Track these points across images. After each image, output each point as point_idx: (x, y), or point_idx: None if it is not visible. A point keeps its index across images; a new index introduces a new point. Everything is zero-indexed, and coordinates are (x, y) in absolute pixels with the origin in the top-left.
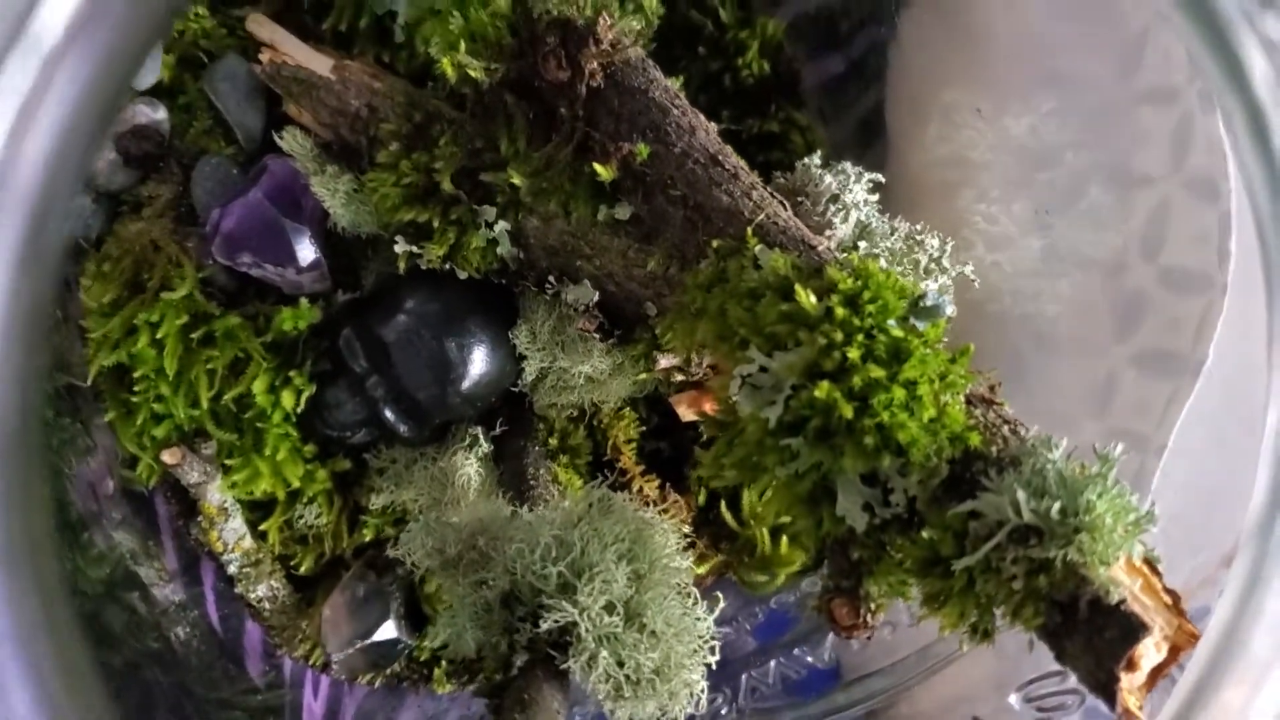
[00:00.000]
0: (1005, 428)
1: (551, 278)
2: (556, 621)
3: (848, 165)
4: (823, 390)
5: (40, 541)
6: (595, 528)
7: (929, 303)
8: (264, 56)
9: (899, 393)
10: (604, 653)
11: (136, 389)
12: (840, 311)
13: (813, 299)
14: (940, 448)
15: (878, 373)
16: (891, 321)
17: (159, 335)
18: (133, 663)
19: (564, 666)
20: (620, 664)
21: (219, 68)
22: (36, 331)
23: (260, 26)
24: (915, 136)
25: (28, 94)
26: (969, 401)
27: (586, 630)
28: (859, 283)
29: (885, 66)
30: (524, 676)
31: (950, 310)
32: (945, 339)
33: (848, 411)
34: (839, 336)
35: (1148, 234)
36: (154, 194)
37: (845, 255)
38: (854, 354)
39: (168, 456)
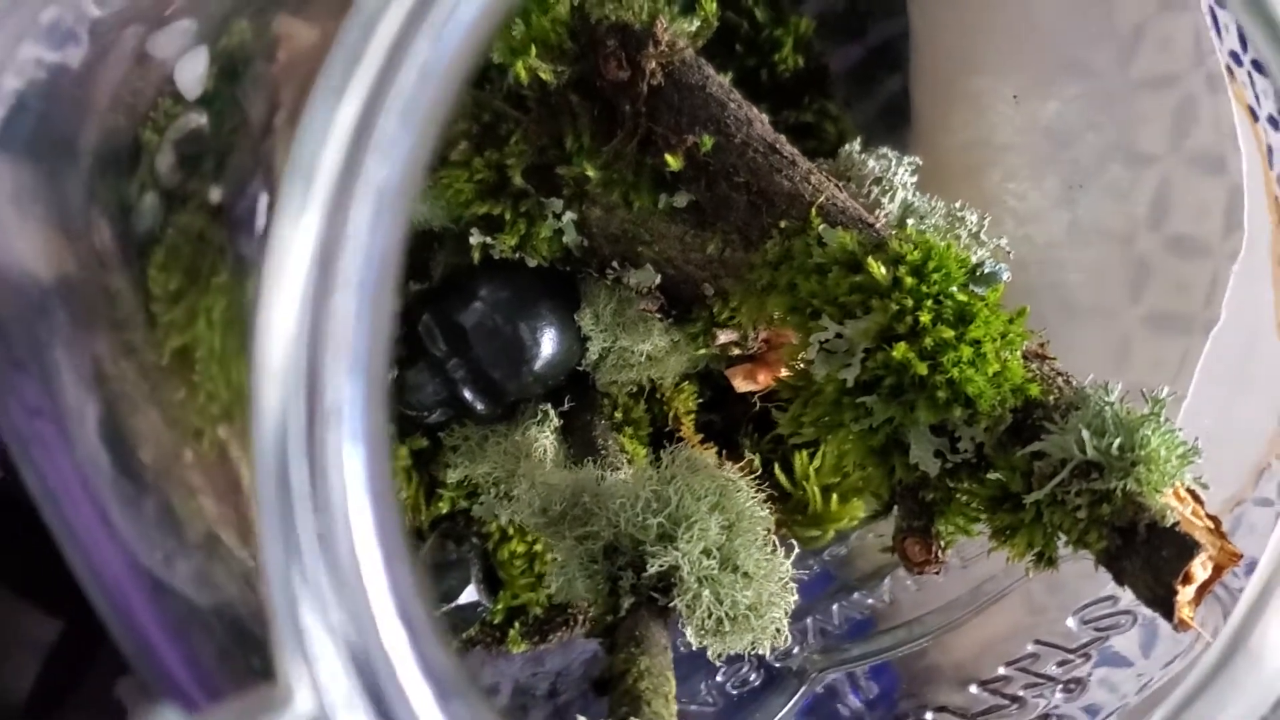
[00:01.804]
0: (1059, 379)
1: (614, 264)
2: (661, 566)
3: (888, 150)
4: (900, 351)
5: None
6: (687, 483)
7: (987, 269)
8: None
9: (966, 351)
10: (706, 592)
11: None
12: (909, 280)
13: (883, 270)
14: (1004, 398)
15: (947, 333)
16: (954, 288)
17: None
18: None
19: (669, 605)
20: (720, 601)
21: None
22: None
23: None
24: (941, 122)
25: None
26: (1025, 357)
27: (689, 572)
28: (923, 253)
29: (904, 54)
30: (632, 617)
31: (1006, 276)
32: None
33: (922, 369)
34: (909, 303)
35: (1154, 207)
36: None
37: (898, 230)
38: (925, 318)
39: None
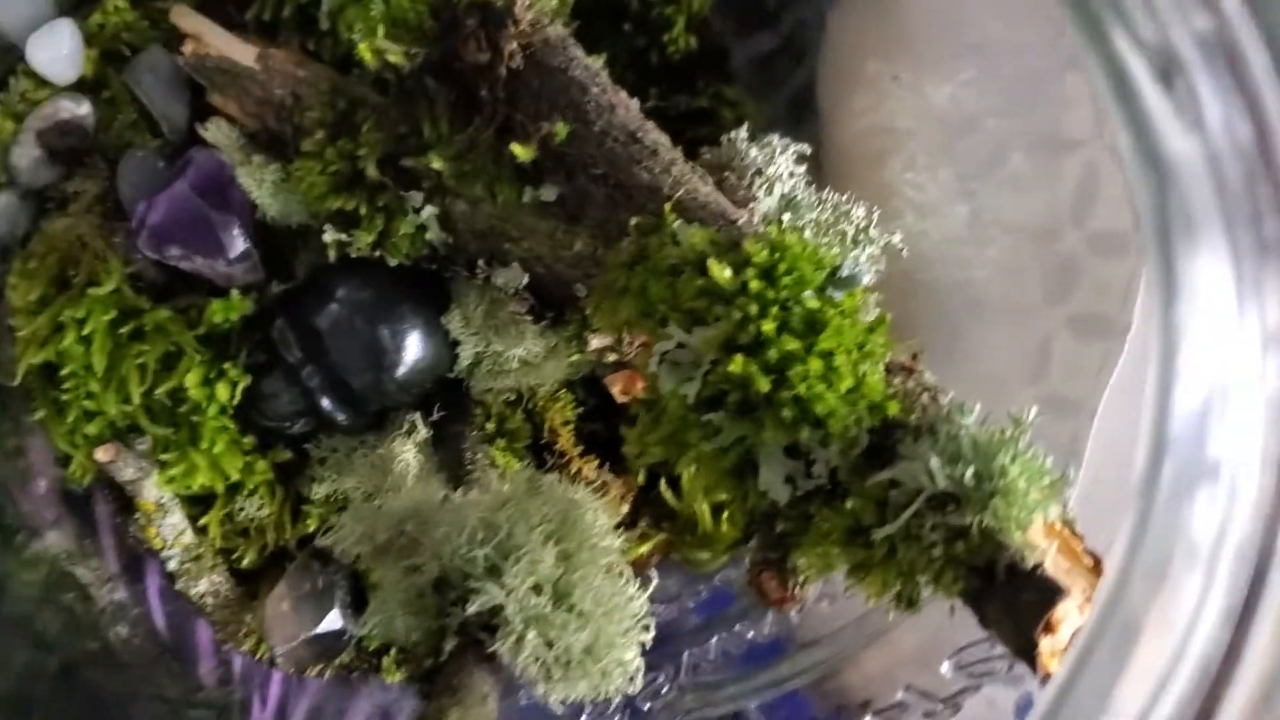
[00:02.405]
0: (924, 395)
1: (481, 262)
2: (483, 604)
3: (774, 138)
4: (737, 364)
5: None
6: (522, 509)
7: (845, 273)
8: (187, 48)
9: (815, 364)
10: (531, 634)
11: (66, 386)
12: (755, 285)
13: (727, 273)
14: (859, 417)
15: (793, 345)
16: (808, 293)
17: (86, 331)
18: (70, 664)
19: (492, 650)
20: (549, 645)
21: (142, 60)
22: None
23: (184, 18)
24: (843, 107)
25: None
26: (889, 370)
27: (513, 612)
28: (774, 255)
29: (815, 42)
30: (454, 661)
31: (867, 279)
32: (874, 306)
33: (764, 385)
34: (754, 310)
35: (1077, 199)
36: (80, 189)
37: (769, 228)
38: (768, 327)
39: (101, 454)
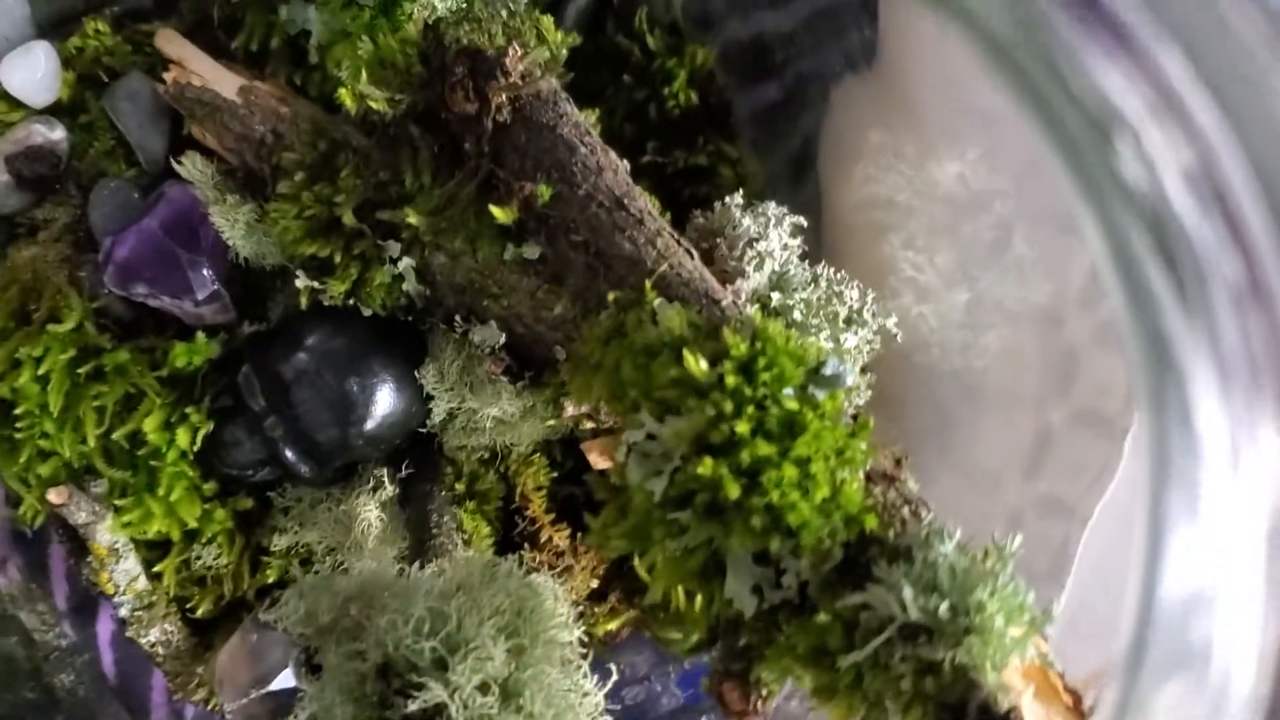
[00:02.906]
0: (905, 508)
1: (459, 316)
2: (427, 701)
3: (770, 206)
4: (707, 467)
5: None
6: (474, 598)
7: (829, 372)
8: (169, 75)
9: (790, 471)
10: None
11: (20, 425)
12: (732, 380)
13: (703, 365)
14: (834, 529)
15: (767, 449)
16: (788, 390)
17: (43, 370)
18: (7, 715)
19: None
20: None
21: (121, 86)
22: None
23: (169, 43)
24: (844, 175)
25: None
26: (869, 478)
27: (457, 712)
28: (756, 346)
29: (820, 98)
30: None
31: (852, 380)
32: (858, 402)
33: (734, 491)
34: (729, 407)
35: (1087, 284)
36: (50, 217)
37: (751, 311)
38: (743, 428)
39: (54, 496)
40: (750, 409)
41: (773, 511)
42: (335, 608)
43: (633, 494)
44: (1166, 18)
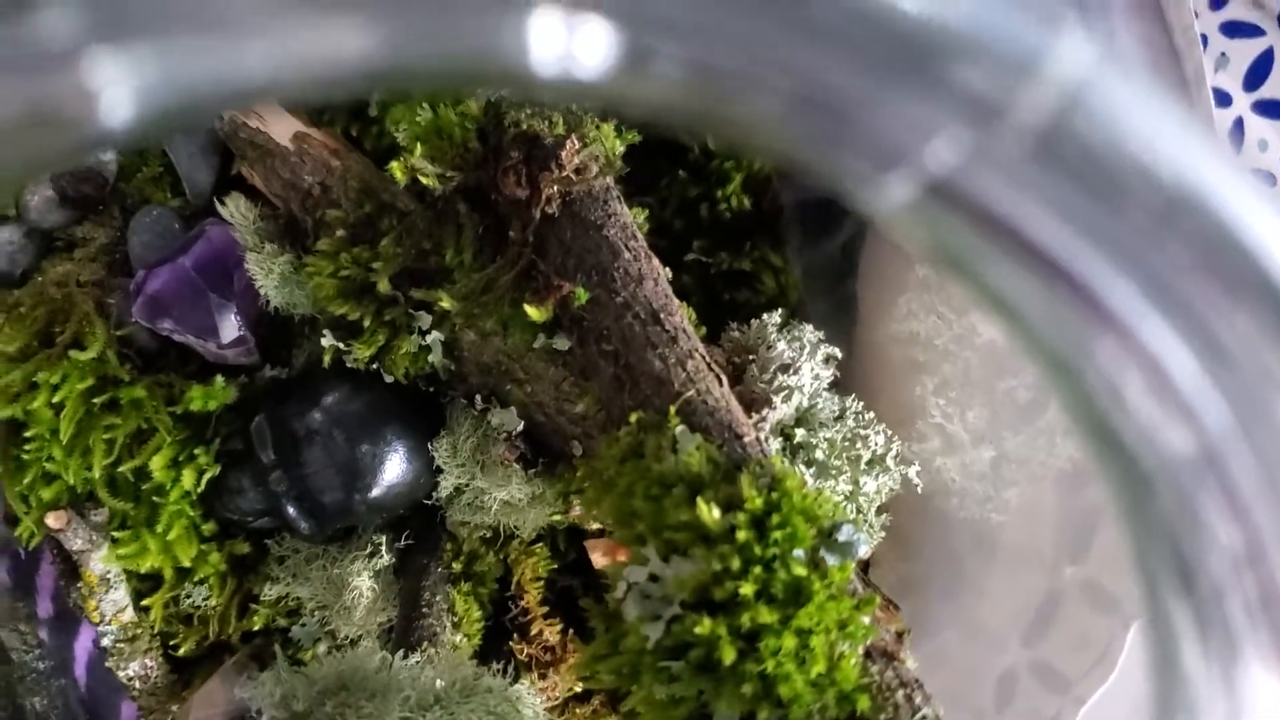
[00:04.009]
0: (901, 692)
1: (480, 396)
2: None
3: (807, 331)
4: (705, 627)
5: None
6: (451, 713)
7: (842, 538)
8: (226, 111)
9: (789, 641)
10: None
11: (28, 447)
12: (743, 535)
13: (715, 514)
14: (825, 706)
15: (769, 617)
16: (798, 552)
17: (58, 397)
18: None
19: None
20: None
21: None
22: None
23: None
24: (885, 305)
25: None
26: (868, 654)
27: None
28: (772, 498)
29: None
30: None
31: (864, 551)
32: (880, 530)
33: (729, 655)
34: (736, 564)
35: None
36: (89, 236)
37: (773, 448)
38: (747, 590)
39: (52, 520)
40: (758, 569)
41: (765, 680)
42: (310, 698)
43: (627, 631)
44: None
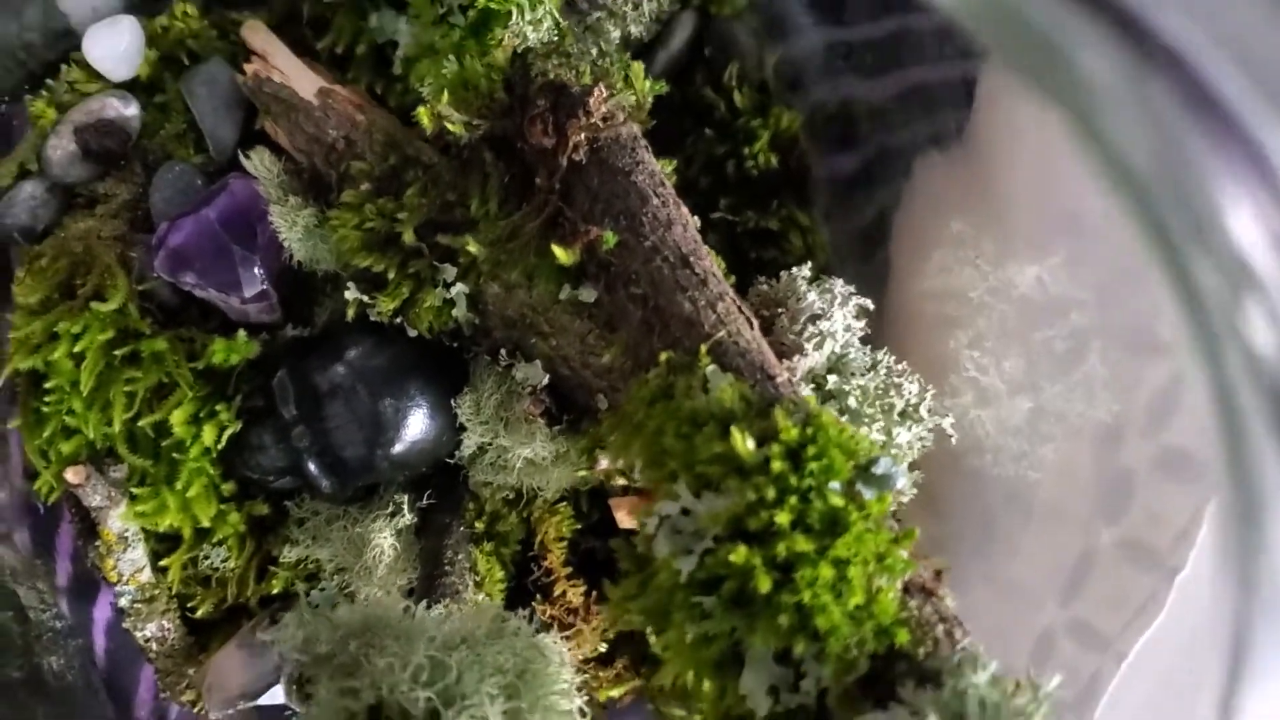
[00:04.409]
0: (940, 626)
1: (505, 350)
2: None
3: (838, 284)
4: (740, 555)
5: None
6: (477, 653)
7: (880, 471)
8: (250, 67)
9: (826, 571)
10: None
11: (48, 399)
12: (778, 465)
13: (750, 444)
14: (863, 639)
15: (806, 545)
16: (834, 485)
17: (79, 348)
18: None
19: None
20: None
21: (200, 71)
22: None
23: (255, 34)
24: (916, 261)
25: None
26: (906, 589)
27: None
28: (807, 432)
29: (900, 175)
30: None
31: (903, 483)
32: (903, 500)
33: (765, 584)
34: (771, 494)
35: (1152, 408)
36: (111, 192)
37: (807, 392)
38: (783, 518)
39: (71, 475)
40: (793, 499)
41: (802, 611)
42: (334, 640)
43: (658, 569)
44: None
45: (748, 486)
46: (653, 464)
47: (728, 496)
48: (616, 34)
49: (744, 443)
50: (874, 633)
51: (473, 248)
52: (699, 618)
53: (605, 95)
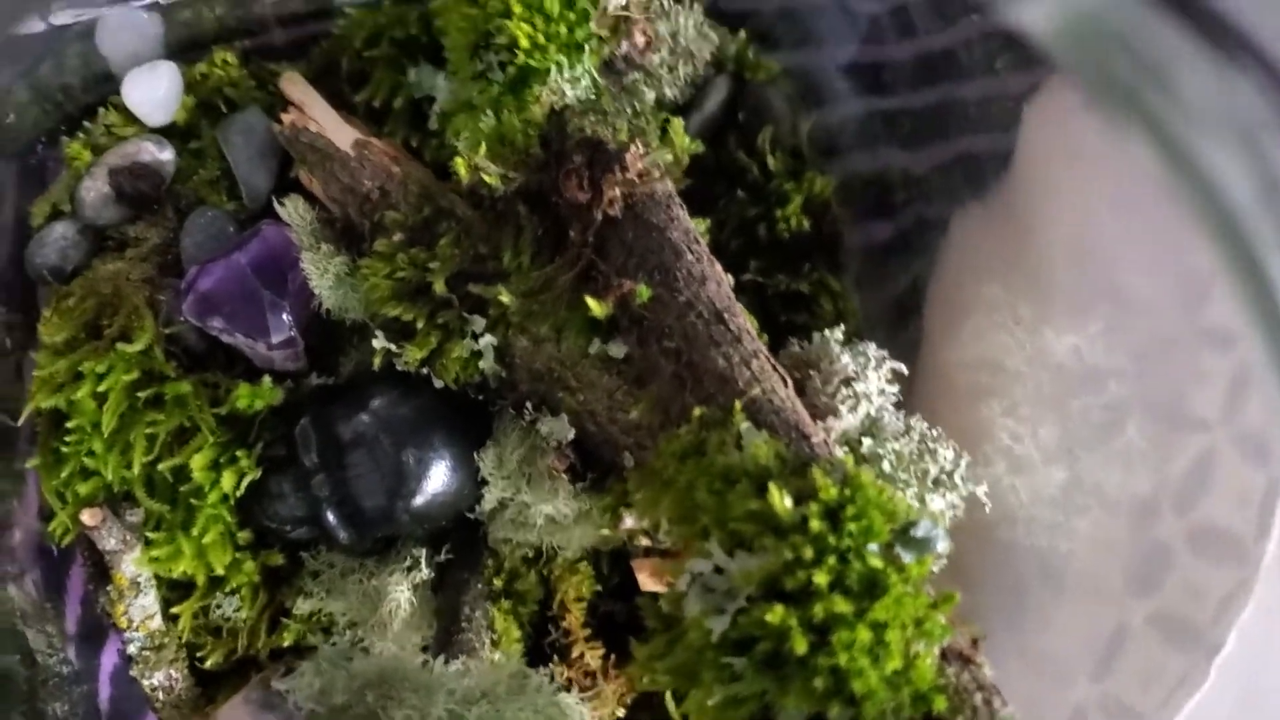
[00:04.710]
0: (979, 695)
1: (530, 404)
2: None
3: (870, 348)
4: (776, 615)
5: None
6: (498, 709)
7: (920, 534)
8: (287, 117)
9: (864, 634)
10: None
11: (69, 439)
12: (816, 525)
13: (788, 502)
14: (900, 706)
15: (844, 607)
16: (873, 546)
17: (103, 387)
18: None
19: None
20: None
21: (238, 119)
22: None
23: (293, 86)
24: (951, 328)
25: None
26: (944, 656)
27: None
28: (845, 493)
29: (934, 243)
30: None
31: (943, 546)
32: (934, 570)
33: (801, 646)
34: (809, 554)
35: (1186, 484)
36: (142, 235)
37: (842, 454)
38: (821, 579)
39: (87, 517)
40: (832, 559)
41: (838, 675)
42: (351, 690)
43: (687, 628)
44: None
45: (784, 545)
46: (683, 520)
47: (762, 555)
48: (651, 96)
49: (781, 500)
50: (911, 699)
51: (505, 297)
52: (729, 679)
53: (642, 152)
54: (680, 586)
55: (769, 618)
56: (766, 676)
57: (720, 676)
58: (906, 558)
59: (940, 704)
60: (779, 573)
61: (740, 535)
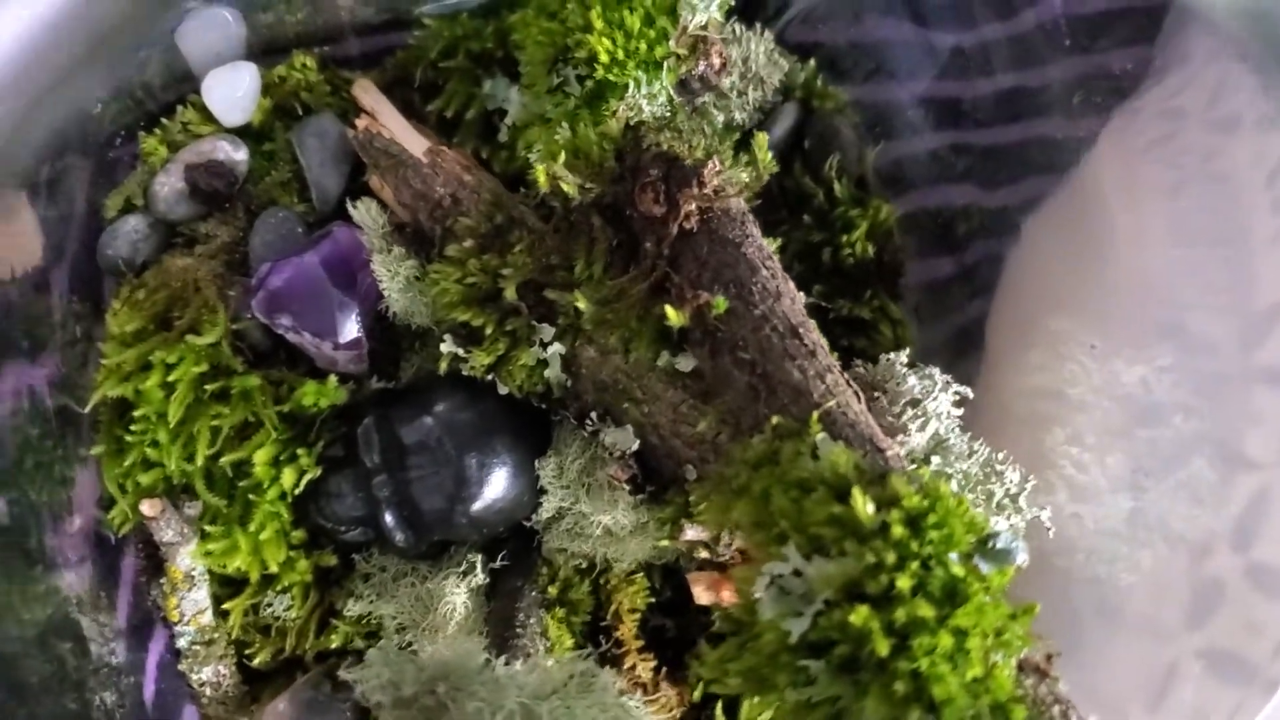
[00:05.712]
0: (1056, 708)
1: (594, 414)
2: None
3: (935, 371)
4: (859, 616)
5: None
6: (568, 705)
7: (1000, 545)
8: (360, 123)
9: (945, 640)
10: None
11: (134, 428)
12: (898, 530)
13: (870, 508)
14: (979, 713)
15: (926, 611)
16: (953, 555)
17: (171, 378)
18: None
19: None
20: None
21: (312, 123)
22: None
23: (366, 93)
24: (1015, 358)
25: None
26: (1020, 668)
27: None
28: (926, 502)
29: (996, 279)
30: None
31: (1023, 558)
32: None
33: (883, 648)
34: (891, 558)
35: (1241, 524)
36: (212, 233)
37: (914, 468)
38: (904, 583)
39: (147, 507)
40: (914, 565)
41: (918, 680)
42: (420, 682)
43: (762, 631)
44: None
45: (865, 550)
46: (757, 526)
47: (842, 560)
48: (721, 118)
49: (864, 506)
50: (990, 707)
51: (580, 302)
52: (803, 682)
53: (718, 168)
54: (756, 590)
55: (852, 619)
56: (842, 681)
57: (794, 680)
58: (985, 568)
59: (1019, 714)
60: (860, 576)
61: (819, 540)
